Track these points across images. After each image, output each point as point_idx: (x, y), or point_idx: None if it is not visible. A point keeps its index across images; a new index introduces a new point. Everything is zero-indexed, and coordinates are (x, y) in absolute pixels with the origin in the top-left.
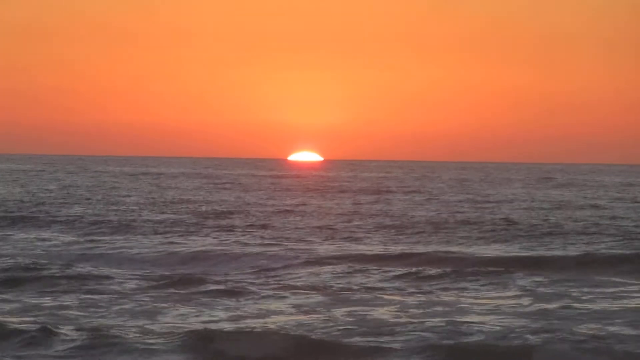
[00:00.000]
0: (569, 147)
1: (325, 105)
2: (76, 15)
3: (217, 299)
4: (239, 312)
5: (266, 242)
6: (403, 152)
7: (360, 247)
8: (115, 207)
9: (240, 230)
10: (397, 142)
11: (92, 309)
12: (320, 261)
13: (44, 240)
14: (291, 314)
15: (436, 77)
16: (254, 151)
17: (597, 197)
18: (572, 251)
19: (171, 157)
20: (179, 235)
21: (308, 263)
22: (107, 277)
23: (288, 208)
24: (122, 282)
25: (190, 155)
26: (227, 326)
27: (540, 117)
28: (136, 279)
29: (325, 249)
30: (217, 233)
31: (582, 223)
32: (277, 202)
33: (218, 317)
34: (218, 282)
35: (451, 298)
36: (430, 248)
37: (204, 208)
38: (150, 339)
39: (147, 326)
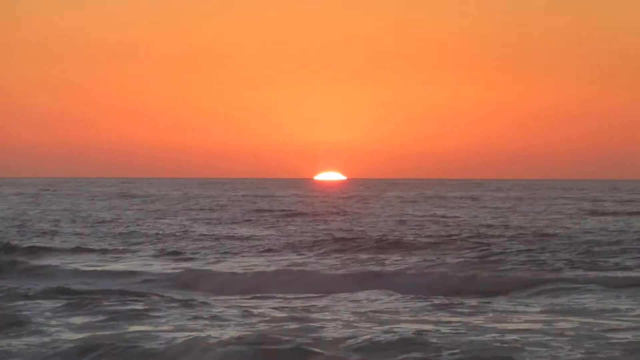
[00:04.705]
0: (574, 162)
1: (346, 123)
2: (104, 34)
3: None
4: None
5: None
6: (423, 170)
7: None
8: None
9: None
10: (416, 160)
11: None
12: None
13: None
14: None
15: (452, 93)
16: (280, 171)
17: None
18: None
19: (197, 178)
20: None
21: None
22: None
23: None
24: None
25: (217, 176)
26: None
27: (545, 131)
28: None
29: None
30: None
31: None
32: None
33: None
34: None
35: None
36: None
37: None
38: None
39: None
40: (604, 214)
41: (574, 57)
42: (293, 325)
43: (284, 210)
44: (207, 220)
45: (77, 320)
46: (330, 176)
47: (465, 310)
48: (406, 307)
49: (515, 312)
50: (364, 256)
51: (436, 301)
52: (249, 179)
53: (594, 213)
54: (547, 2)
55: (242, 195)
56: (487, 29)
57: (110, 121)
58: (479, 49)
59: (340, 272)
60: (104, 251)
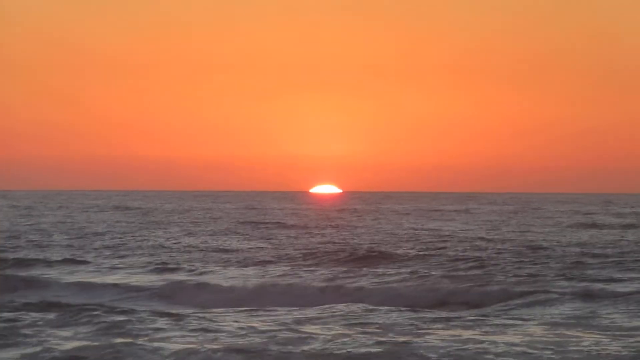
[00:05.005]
0: (568, 177)
1: (342, 136)
2: (93, 48)
3: None
4: None
5: None
6: (418, 183)
7: None
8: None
9: None
10: (411, 173)
11: None
12: None
13: None
14: None
15: (448, 107)
16: (277, 184)
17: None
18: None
19: (193, 190)
20: None
21: None
22: None
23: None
24: None
25: (213, 189)
26: None
27: (537, 147)
28: None
29: None
30: None
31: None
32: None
33: None
34: None
35: None
36: None
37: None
38: None
39: None
40: (596, 226)
41: (568, 71)
42: (283, 337)
43: (277, 223)
44: (200, 233)
45: (66, 332)
46: (326, 189)
47: (456, 323)
48: (396, 319)
49: (505, 324)
50: (354, 268)
51: (426, 313)
52: (245, 191)
53: (587, 226)
54: (542, 17)
55: (236, 208)
56: (483, 43)
57: (106, 134)
58: (474, 63)
59: (331, 284)
60: (94, 263)
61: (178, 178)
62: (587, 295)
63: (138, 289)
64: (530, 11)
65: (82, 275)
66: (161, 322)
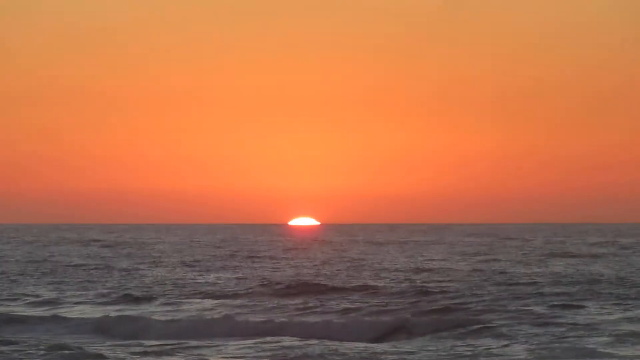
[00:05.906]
0: (538, 207)
1: (320, 169)
2: (67, 80)
3: None
4: None
5: None
6: (396, 215)
7: None
8: None
9: None
10: (388, 205)
11: None
12: None
13: None
14: None
15: (423, 139)
16: (256, 217)
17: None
18: None
19: (171, 223)
20: None
21: None
22: None
23: None
24: None
25: (192, 222)
26: None
27: (514, 177)
28: None
29: None
30: None
31: None
32: None
33: None
34: None
35: None
36: None
37: None
38: None
39: None
40: (564, 256)
41: (544, 102)
42: None
43: (247, 256)
44: (169, 264)
45: None
46: (304, 222)
47: (402, 356)
48: (353, 349)
49: (463, 355)
50: (311, 301)
51: (374, 345)
52: (223, 224)
53: (557, 255)
54: (516, 48)
55: (211, 240)
56: (457, 76)
57: (83, 168)
58: (450, 95)
59: (280, 317)
60: (49, 297)
61: (158, 211)
62: (551, 324)
63: (83, 322)
64: (505, 44)
65: (37, 309)
66: (113, 355)
